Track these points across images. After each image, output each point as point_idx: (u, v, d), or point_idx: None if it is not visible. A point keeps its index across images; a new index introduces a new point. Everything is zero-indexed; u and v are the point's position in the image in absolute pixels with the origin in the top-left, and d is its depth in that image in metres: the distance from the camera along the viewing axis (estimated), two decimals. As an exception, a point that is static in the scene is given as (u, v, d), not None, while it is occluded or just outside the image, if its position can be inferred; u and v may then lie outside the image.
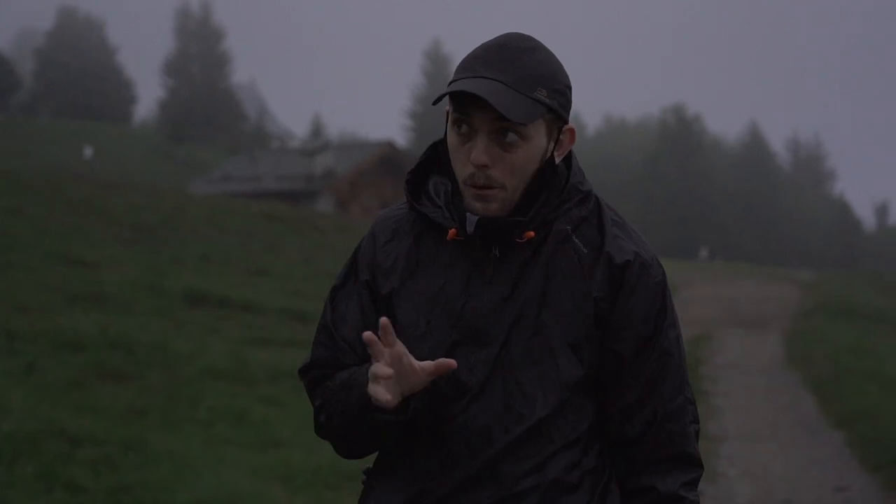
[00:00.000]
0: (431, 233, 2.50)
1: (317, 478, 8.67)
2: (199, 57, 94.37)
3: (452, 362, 2.25)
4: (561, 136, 2.45)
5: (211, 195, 45.99)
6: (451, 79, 2.42)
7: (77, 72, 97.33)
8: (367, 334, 2.23)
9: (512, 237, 2.42)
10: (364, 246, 2.58)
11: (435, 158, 2.57)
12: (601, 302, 2.40)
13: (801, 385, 16.25)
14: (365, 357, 2.39)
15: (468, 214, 2.43)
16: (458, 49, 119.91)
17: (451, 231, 2.44)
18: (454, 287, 2.44)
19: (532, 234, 2.42)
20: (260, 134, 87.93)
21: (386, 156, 58.94)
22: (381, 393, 2.21)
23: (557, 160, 2.47)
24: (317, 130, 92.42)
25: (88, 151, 64.30)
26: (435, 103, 2.40)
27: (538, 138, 2.39)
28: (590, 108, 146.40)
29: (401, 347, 2.25)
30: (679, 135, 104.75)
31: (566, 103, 2.43)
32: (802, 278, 48.63)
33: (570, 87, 2.45)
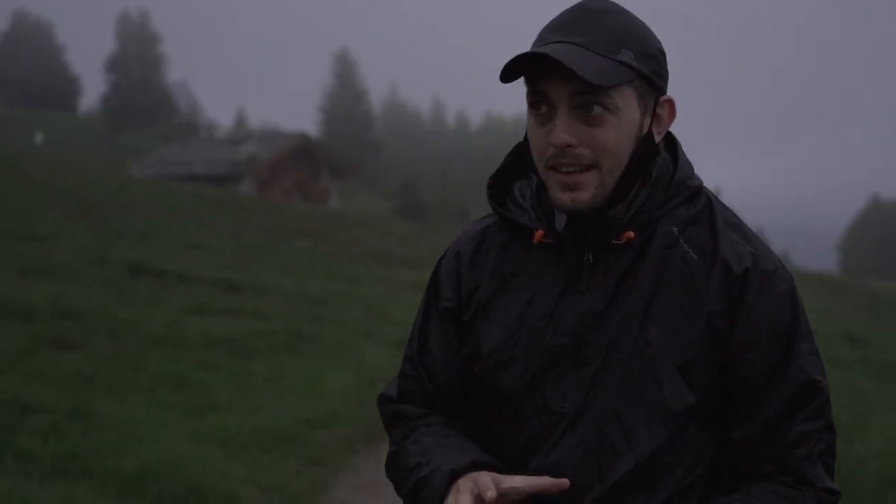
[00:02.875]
0: (519, 241, 1.92)
1: (252, 441, 8.01)
2: (138, 57, 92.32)
3: (564, 482, 1.72)
4: (658, 110, 1.83)
5: (148, 177, 45.23)
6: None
7: (30, 68, 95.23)
8: None
9: (608, 238, 1.82)
10: (444, 265, 2.02)
11: (520, 162, 1.95)
12: (717, 318, 1.77)
13: None
14: (448, 385, 1.98)
15: (556, 212, 1.84)
16: (365, 55, 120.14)
17: (538, 233, 1.87)
18: (544, 300, 1.85)
19: (632, 234, 1.81)
20: (191, 124, 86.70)
21: (301, 145, 58.97)
22: None
23: (657, 138, 1.85)
24: (240, 122, 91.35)
25: (39, 138, 62.87)
26: (504, 79, 1.77)
27: (629, 110, 1.77)
28: (475, 107, 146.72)
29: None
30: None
31: (659, 70, 1.81)
32: None
33: (663, 53, 1.83)
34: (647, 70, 1.79)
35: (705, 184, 1.94)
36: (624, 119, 1.78)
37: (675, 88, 1.93)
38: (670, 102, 1.86)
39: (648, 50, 1.80)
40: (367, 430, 9.05)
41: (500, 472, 1.79)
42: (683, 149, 1.94)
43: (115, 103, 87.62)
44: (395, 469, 1.96)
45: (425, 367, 2.01)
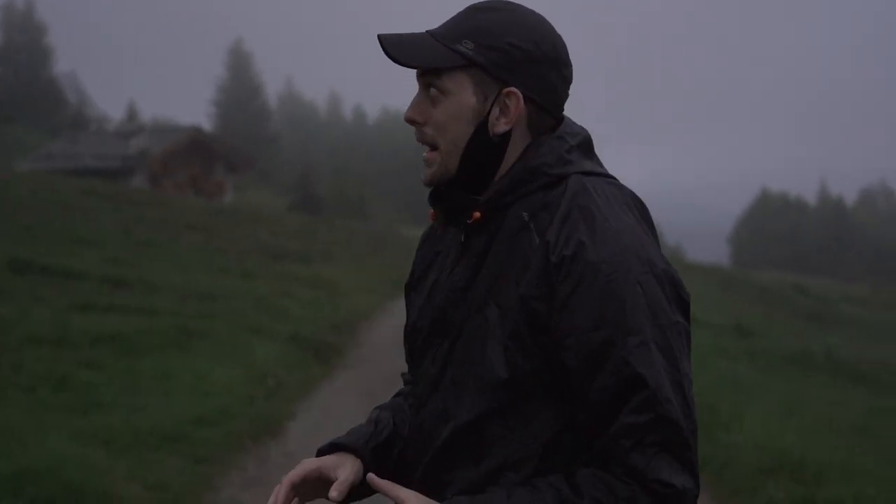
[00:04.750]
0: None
1: (137, 440, 7.88)
2: (24, 48, 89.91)
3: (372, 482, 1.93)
4: (505, 100, 1.92)
5: (35, 171, 44.15)
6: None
7: None
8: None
9: (462, 218, 1.98)
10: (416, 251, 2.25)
11: None
12: (535, 301, 1.84)
13: None
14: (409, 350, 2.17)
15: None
16: (259, 48, 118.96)
17: (431, 213, 2.06)
18: (444, 276, 2.06)
19: (478, 214, 1.94)
20: (80, 118, 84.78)
21: (195, 139, 58.21)
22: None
23: (503, 127, 1.94)
24: (132, 115, 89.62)
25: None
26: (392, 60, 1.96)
27: (462, 94, 1.93)
28: (371, 100, 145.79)
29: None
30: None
31: (505, 62, 1.91)
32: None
33: (521, 49, 1.91)
34: (484, 60, 1.90)
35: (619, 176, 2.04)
36: (455, 102, 1.93)
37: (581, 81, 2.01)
38: (516, 95, 1.91)
39: (495, 43, 1.90)
40: (256, 426, 9.00)
41: (360, 455, 2.06)
42: (573, 142, 1.99)
43: (1, 96, 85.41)
44: None
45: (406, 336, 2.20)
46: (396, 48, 1.92)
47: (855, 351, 22.15)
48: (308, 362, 12.72)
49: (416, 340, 2.09)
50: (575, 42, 2.12)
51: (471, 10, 1.97)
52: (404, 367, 2.30)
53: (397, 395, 2.30)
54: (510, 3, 1.98)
